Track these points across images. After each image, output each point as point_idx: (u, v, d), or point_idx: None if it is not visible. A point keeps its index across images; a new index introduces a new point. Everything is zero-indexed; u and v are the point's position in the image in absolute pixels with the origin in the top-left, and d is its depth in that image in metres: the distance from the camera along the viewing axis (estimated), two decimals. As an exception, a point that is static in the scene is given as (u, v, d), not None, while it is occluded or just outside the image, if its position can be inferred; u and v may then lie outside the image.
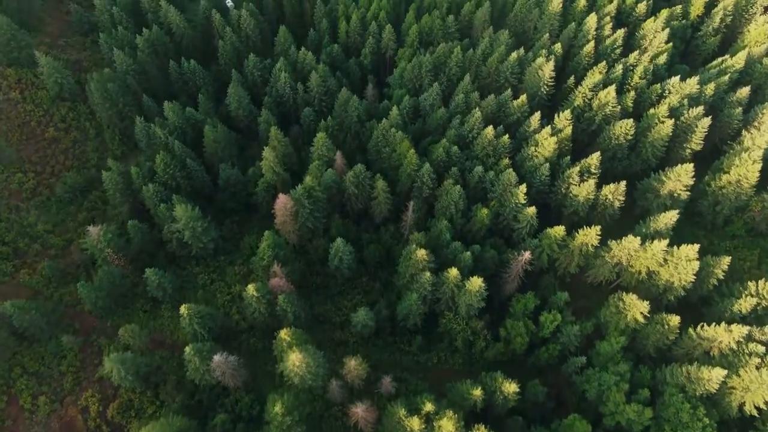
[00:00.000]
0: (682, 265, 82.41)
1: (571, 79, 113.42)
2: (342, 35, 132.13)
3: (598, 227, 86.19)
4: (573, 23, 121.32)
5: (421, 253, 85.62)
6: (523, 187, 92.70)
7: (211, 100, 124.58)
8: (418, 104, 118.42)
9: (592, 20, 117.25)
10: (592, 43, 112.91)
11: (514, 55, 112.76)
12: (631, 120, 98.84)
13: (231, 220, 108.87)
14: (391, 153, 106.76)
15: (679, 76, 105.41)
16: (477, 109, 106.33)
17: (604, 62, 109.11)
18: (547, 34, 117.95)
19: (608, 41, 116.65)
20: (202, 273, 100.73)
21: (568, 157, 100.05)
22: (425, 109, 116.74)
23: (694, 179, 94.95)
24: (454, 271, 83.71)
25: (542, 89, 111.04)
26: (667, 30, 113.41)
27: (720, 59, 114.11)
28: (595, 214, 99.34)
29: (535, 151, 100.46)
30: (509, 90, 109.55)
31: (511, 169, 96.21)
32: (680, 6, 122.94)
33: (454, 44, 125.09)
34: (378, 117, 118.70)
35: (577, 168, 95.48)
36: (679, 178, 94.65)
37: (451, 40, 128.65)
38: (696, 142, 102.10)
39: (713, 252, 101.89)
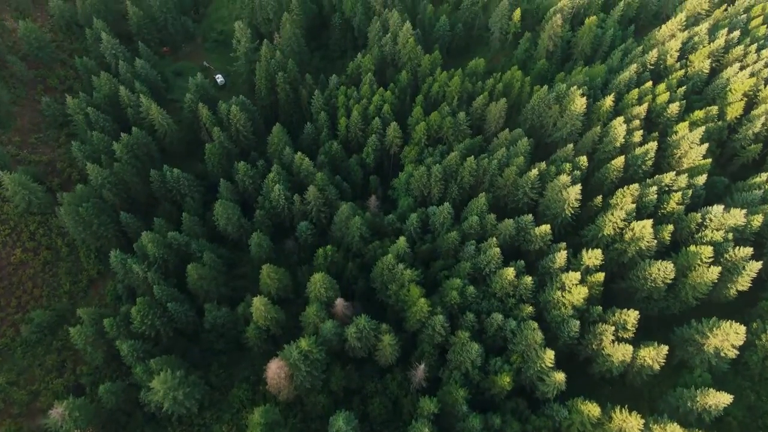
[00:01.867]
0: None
1: (599, 199, 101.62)
2: (342, 130, 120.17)
3: (641, 420, 74.53)
4: (598, 126, 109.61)
5: (436, 448, 74.06)
6: (550, 353, 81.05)
7: (198, 207, 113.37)
8: (426, 216, 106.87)
9: (620, 128, 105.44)
10: (622, 159, 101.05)
11: (534, 171, 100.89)
12: (671, 265, 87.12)
13: (218, 364, 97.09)
14: (397, 290, 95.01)
15: (722, 207, 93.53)
16: (494, 239, 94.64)
17: (636, 185, 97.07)
18: (572, 145, 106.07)
19: (638, 151, 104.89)
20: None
21: (600, 307, 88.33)
22: (434, 225, 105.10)
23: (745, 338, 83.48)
24: (474, 472, 72.16)
25: (566, 211, 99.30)
26: (706, 145, 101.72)
27: (765, 176, 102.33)
28: (630, 370, 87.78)
29: (562, 296, 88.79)
30: (530, 215, 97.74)
31: (536, 326, 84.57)
32: (716, 107, 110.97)
33: (466, 143, 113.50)
34: (382, 233, 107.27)
35: (612, 327, 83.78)
36: (727, 338, 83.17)
37: (462, 138, 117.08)
38: (742, 284, 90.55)
39: (761, 409, 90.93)
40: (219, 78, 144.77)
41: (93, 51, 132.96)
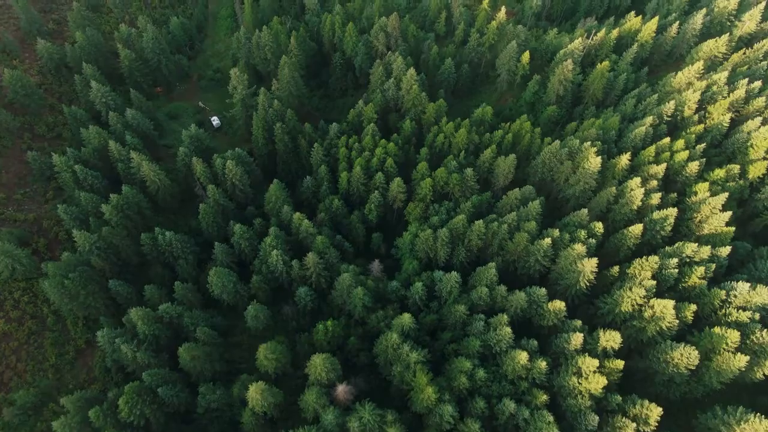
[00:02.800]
0: None
1: (615, 269, 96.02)
2: (343, 184, 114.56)
3: None
4: (613, 186, 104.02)
5: None
6: (568, 454, 75.67)
7: (192, 269, 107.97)
8: (432, 281, 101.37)
9: (638, 190, 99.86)
10: (640, 227, 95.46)
11: (547, 240, 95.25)
12: (695, 351, 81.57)
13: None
14: (402, 371, 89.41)
15: (748, 284, 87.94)
16: (504, 317, 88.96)
17: (656, 258, 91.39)
18: (586, 210, 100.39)
19: (656, 215, 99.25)
20: None
21: (619, 396, 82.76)
22: (441, 292, 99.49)
23: None
24: None
25: (581, 283, 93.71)
26: (729, 213, 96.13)
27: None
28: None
29: (578, 383, 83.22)
30: (543, 289, 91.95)
31: (551, 419, 79.11)
32: (737, 166, 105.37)
33: (473, 200, 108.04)
34: (385, 299, 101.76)
35: (633, 423, 78.21)
36: (756, 433, 77.67)
37: (470, 193, 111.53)
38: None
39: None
40: (215, 120, 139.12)
41: (83, 96, 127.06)
